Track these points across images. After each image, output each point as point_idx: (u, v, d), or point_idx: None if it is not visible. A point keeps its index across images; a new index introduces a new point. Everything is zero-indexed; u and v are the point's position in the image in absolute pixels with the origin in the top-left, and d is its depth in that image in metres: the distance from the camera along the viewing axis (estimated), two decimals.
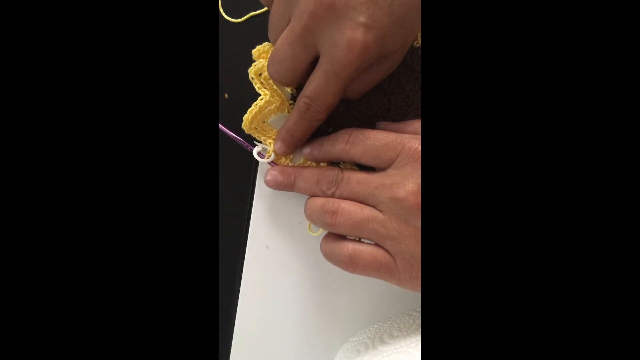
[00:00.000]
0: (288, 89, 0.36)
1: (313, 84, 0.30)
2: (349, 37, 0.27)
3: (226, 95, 0.37)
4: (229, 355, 0.36)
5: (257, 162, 0.37)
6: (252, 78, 0.35)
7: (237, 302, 0.37)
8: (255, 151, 0.35)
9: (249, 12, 0.38)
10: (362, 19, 0.27)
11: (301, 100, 0.31)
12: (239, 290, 0.37)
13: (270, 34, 0.32)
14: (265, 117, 0.35)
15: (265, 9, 0.38)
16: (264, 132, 0.36)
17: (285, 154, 0.35)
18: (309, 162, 0.36)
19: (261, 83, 0.35)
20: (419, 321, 0.34)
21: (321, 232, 0.36)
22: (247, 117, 0.34)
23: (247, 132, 0.35)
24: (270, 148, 0.35)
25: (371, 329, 0.36)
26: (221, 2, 0.38)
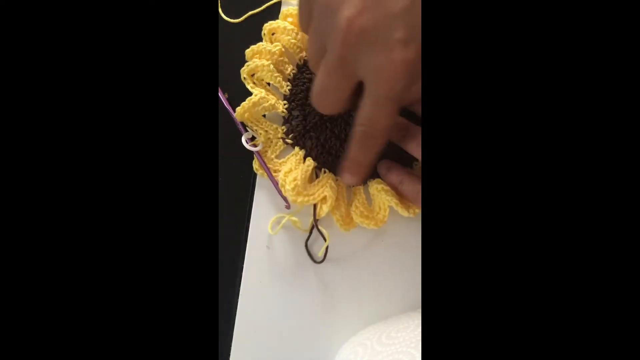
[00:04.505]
0: (281, 90, 0.36)
1: (365, 111, 0.29)
2: (388, 58, 0.26)
3: (226, 95, 0.37)
4: (229, 355, 0.36)
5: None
6: (245, 78, 0.35)
7: (237, 302, 0.37)
8: (244, 137, 0.36)
9: (247, 12, 0.38)
10: (397, 35, 0.25)
11: (357, 128, 0.30)
12: (239, 290, 0.37)
13: (310, 64, 0.32)
14: (259, 113, 0.36)
15: (264, 7, 0.38)
16: (257, 123, 0.36)
17: (358, 184, 0.36)
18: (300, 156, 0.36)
19: (254, 83, 0.36)
20: (419, 321, 0.33)
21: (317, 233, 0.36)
22: (240, 109, 0.35)
23: (240, 120, 0.36)
24: (260, 138, 0.36)
25: (371, 329, 0.36)
26: (220, 2, 0.38)
